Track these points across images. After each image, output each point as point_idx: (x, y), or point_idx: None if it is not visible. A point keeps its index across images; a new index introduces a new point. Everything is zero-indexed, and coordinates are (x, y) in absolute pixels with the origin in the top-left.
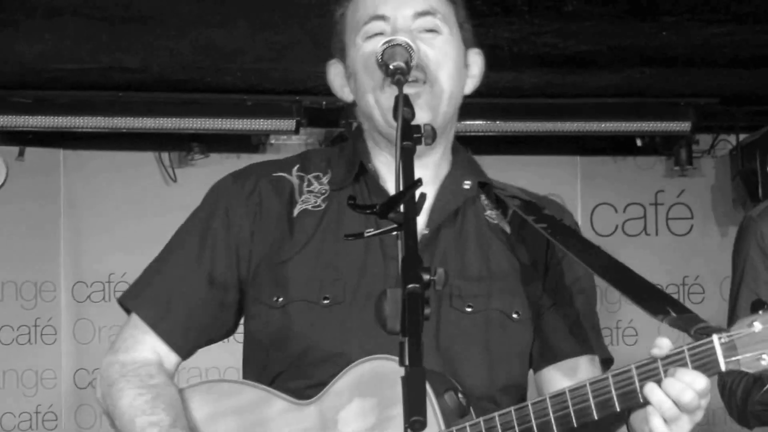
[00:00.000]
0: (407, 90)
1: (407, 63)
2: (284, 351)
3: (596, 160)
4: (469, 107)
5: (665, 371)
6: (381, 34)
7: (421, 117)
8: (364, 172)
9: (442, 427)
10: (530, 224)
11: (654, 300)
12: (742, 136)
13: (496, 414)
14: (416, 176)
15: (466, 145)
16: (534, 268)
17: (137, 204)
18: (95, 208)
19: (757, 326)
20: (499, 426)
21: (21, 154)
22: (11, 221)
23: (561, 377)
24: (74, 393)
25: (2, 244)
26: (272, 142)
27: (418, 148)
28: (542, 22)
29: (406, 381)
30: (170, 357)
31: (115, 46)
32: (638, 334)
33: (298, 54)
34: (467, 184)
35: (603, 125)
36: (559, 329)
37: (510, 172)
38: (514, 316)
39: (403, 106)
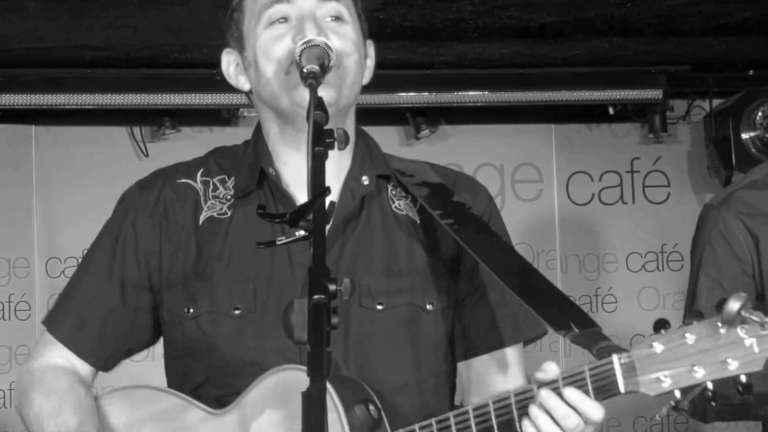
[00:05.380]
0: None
1: (323, 65)
2: (201, 361)
3: (571, 128)
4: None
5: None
6: (284, 19)
7: (326, 95)
8: (266, 177)
9: None
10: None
11: (557, 312)
12: (715, 102)
13: (400, 431)
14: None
15: (440, 117)
16: (448, 256)
17: (110, 179)
18: (68, 184)
19: (657, 347)
20: None
21: None
22: None
23: (485, 369)
24: None
25: None
26: (244, 114)
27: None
28: None
29: (306, 399)
30: (85, 367)
31: (77, 26)
32: (617, 302)
33: None
34: (365, 180)
35: (575, 94)
36: (479, 320)
37: (485, 142)
38: (428, 307)
39: (316, 110)
